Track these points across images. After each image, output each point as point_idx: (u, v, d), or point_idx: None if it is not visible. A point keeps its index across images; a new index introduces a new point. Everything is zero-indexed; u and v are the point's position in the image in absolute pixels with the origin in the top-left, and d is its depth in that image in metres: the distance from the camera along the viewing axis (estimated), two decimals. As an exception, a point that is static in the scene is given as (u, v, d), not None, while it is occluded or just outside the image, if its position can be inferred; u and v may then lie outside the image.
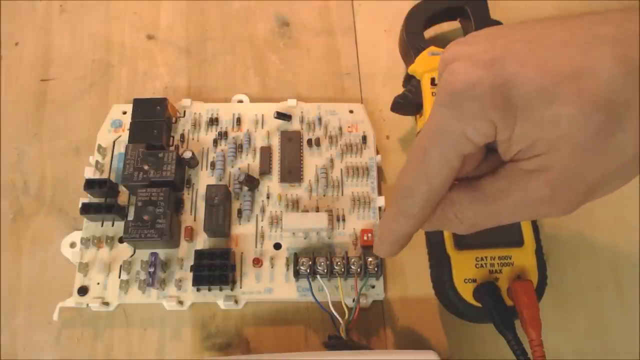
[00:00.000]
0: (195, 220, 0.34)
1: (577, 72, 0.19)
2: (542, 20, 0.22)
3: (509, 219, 0.22)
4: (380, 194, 0.35)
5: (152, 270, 0.31)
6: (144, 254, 0.33)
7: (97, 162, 0.35)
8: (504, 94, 0.19)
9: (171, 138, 0.36)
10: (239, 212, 0.34)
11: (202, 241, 0.34)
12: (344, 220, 0.34)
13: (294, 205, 0.34)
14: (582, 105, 0.19)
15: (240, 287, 0.33)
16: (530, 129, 0.20)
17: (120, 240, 0.33)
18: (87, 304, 0.32)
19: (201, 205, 0.34)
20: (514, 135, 0.20)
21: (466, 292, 0.29)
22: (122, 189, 0.35)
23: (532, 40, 0.20)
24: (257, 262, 0.33)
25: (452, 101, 0.20)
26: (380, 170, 0.36)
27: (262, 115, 0.37)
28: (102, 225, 0.34)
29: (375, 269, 0.31)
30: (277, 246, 0.34)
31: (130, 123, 0.35)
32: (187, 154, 0.34)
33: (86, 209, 0.33)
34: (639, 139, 0.19)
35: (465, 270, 0.30)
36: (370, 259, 0.31)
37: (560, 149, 0.20)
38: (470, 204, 0.22)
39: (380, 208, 0.34)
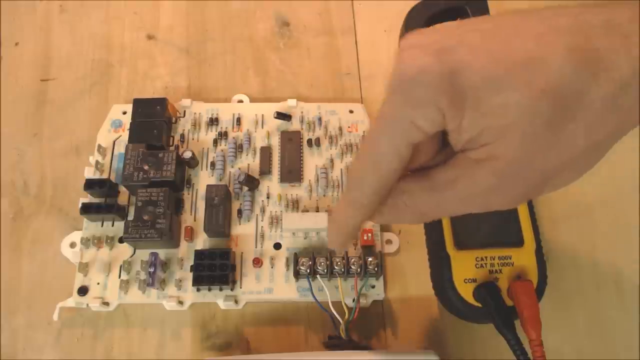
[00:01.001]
0: (195, 220, 0.34)
1: (528, 61, 0.19)
2: (502, 13, 0.21)
3: (458, 210, 0.22)
4: (380, 194, 0.35)
5: (152, 270, 0.31)
6: (144, 254, 0.33)
7: (97, 162, 0.35)
8: (452, 82, 0.19)
9: (171, 138, 0.36)
10: (239, 212, 0.34)
11: (202, 241, 0.34)
12: (344, 220, 0.34)
13: (294, 205, 0.34)
14: (531, 94, 0.18)
15: (240, 287, 0.33)
16: (479, 118, 0.19)
17: (120, 240, 0.33)
18: (87, 304, 0.32)
19: (201, 205, 0.34)
20: (462, 123, 0.20)
21: (466, 292, 0.29)
22: (122, 189, 0.35)
23: (487, 30, 0.20)
24: (257, 262, 0.33)
25: (401, 88, 0.20)
26: (380, 170, 0.36)
27: (262, 115, 0.37)
28: (102, 225, 0.34)
29: (375, 269, 0.31)
30: (277, 246, 0.34)
31: (130, 123, 0.35)
32: (187, 154, 0.34)
33: (86, 209, 0.33)
34: (590, 130, 0.19)
35: (465, 270, 0.30)
36: (370, 259, 0.31)
37: (508, 138, 0.19)
38: (420, 193, 0.22)
39: (380, 208, 0.34)
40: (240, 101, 0.38)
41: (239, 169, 0.35)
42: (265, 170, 0.35)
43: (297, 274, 0.32)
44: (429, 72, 0.19)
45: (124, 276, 0.33)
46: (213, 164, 0.36)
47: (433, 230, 0.32)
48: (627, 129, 0.20)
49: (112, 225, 0.34)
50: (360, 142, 0.21)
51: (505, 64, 0.19)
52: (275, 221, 0.34)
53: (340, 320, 0.31)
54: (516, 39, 0.19)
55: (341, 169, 0.35)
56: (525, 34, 0.19)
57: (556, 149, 0.20)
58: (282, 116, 0.36)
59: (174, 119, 0.37)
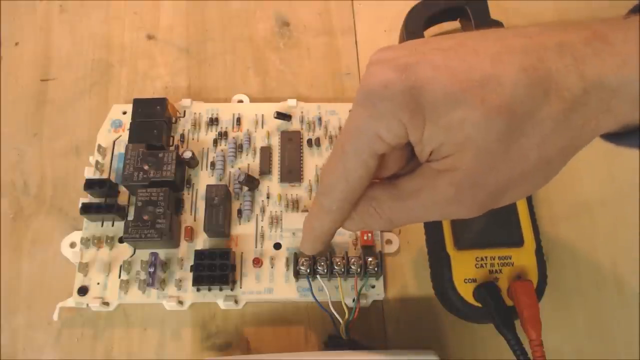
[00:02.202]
0: (195, 220, 0.34)
1: (484, 79, 0.20)
2: (467, 33, 0.23)
3: (422, 217, 0.24)
4: (380, 194, 0.35)
5: (152, 270, 0.31)
6: (144, 254, 0.33)
7: (97, 162, 0.35)
8: (414, 97, 0.20)
9: (171, 138, 0.36)
10: (239, 212, 0.34)
11: (202, 241, 0.34)
12: (344, 220, 0.34)
13: (294, 205, 0.34)
14: (485, 111, 0.20)
15: (240, 287, 0.33)
16: (438, 131, 0.20)
17: (120, 240, 0.33)
18: (87, 304, 0.32)
19: (201, 205, 0.34)
20: (424, 137, 0.21)
21: (466, 292, 0.29)
22: (122, 189, 0.35)
23: (449, 48, 0.21)
24: (257, 262, 0.33)
25: (366, 101, 0.21)
26: (380, 170, 0.36)
27: (262, 115, 0.37)
28: (102, 225, 0.34)
29: (375, 269, 0.31)
30: (277, 246, 0.34)
31: (130, 123, 0.35)
32: (187, 154, 0.34)
33: (86, 209, 0.33)
34: (542, 146, 0.20)
35: (465, 270, 0.30)
36: (370, 259, 0.31)
37: (465, 151, 0.20)
38: (388, 200, 0.23)
39: (380, 208, 0.34)
40: (240, 101, 0.38)
41: (239, 169, 0.35)
42: (265, 170, 0.35)
43: (297, 274, 0.32)
44: (391, 87, 0.20)
45: (124, 276, 0.33)
46: (213, 164, 0.36)
47: (433, 230, 0.32)
48: (579, 146, 0.21)
49: (112, 225, 0.34)
50: (332, 148, 0.23)
51: (462, 82, 0.20)
52: (275, 221, 0.34)
53: (340, 320, 0.31)
54: (474, 58, 0.20)
55: (341, 169, 0.35)
56: (483, 53, 0.20)
57: (509, 163, 0.21)
58: (282, 116, 0.36)
59: (174, 119, 0.37)
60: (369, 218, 0.24)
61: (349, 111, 0.22)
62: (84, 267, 0.33)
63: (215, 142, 0.36)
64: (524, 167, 0.21)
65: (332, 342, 0.31)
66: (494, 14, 0.36)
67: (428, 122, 0.21)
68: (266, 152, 0.36)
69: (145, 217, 0.32)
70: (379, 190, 0.23)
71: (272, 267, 0.33)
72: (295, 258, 0.32)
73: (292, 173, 0.35)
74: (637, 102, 0.20)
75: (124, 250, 0.33)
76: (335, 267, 0.31)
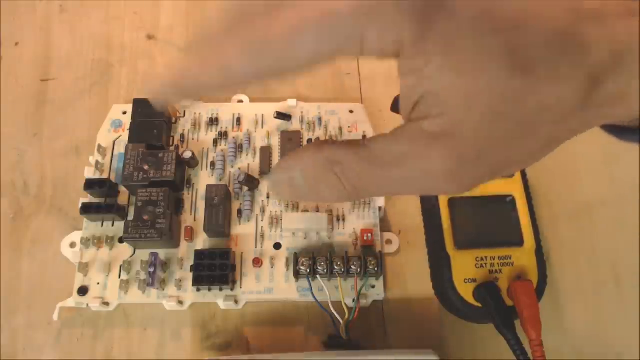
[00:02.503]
0: (195, 220, 0.34)
1: (521, 22, 0.16)
2: None
3: (399, 190, 0.19)
4: (380, 194, 0.35)
5: (152, 270, 0.31)
6: (144, 254, 0.33)
7: (97, 162, 0.35)
8: (435, 16, 0.16)
9: (171, 138, 0.36)
10: (239, 212, 0.34)
11: (202, 241, 0.34)
12: (344, 220, 0.34)
13: (294, 205, 0.34)
14: (511, 62, 0.16)
15: (240, 287, 0.33)
16: (446, 67, 0.16)
17: (120, 240, 0.33)
18: (87, 304, 0.32)
19: (201, 205, 0.34)
20: (425, 68, 0.16)
21: (466, 292, 0.29)
22: (122, 189, 0.35)
23: None
24: (257, 262, 0.33)
25: None
26: (380, 170, 0.36)
27: (262, 115, 0.37)
28: (102, 225, 0.34)
29: (375, 269, 0.31)
30: (277, 246, 0.34)
31: (130, 123, 0.35)
32: (187, 154, 0.34)
33: (86, 209, 0.33)
34: (557, 124, 0.17)
35: (465, 270, 0.30)
36: (370, 259, 0.31)
37: (473, 109, 0.16)
38: (357, 165, 0.18)
39: (380, 208, 0.34)
40: (240, 101, 0.38)
41: (239, 169, 0.35)
42: (265, 170, 0.35)
43: (297, 274, 0.32)
44: None
45: (124, 276, 0.33)
46: (213, 164, 0.36)
47: (433, 230, 0.32)
48: (583, 131, 0.18)
49: (112, 225, 0.34)
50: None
51: (498, 21, 0.16)
52: (275, 221, 0.34)
53: (340, 320, 0.31)
54: None
55: (341, 169, 0.35)
56: None
57: (519, 137, 0.17)
58: (282, 116, 0.36)
59: (174, 119, 0.37)
60: (326, 187, 0.19)
61: None
62: (84, 267, 0.33)
63: (215, 142, 0.36)
64: (533, 144, 0.18)
65: (332, 342, 0.31)
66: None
67: (438, 53, 0.16)
68: (266, 152, 0.36)
69: (145, 217, 0.32)
70: (344, 151, 0.19)
71: (272, 267, 0.33)
72: (295, 258, 0.32)
73: (292, 173, 0.35)
74: None
75: (124, 250, 0.33)
76: (335, 267, 0.31)
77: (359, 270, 0.31)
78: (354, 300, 0.31)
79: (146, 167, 0.33)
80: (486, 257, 0.30)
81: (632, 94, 0.18)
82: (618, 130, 0.20)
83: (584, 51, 0.16)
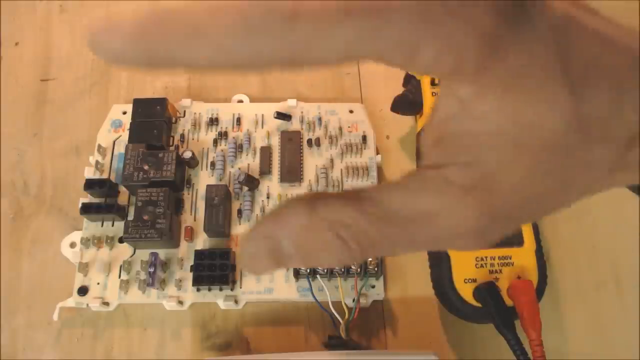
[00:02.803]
0: (195, 220, 0.34)
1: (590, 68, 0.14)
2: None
3: (417, 248, 0.16)
4: (380, 194, 0.35)
5: (152, 270, 0.31)
6: (144, 254, 0.33)
7: (97, 162, 0.35)
8: (517, 41, 0.13)
9: (171, 138, 0.36)
10: (239, 212, 0.34)
11: (202, 241, 0.34)
12: (344, 220, 0.34)
13: (294, 205, 0.34)
14: (571, 117, 0.13)
15: (240, 287, 0.33)
16: (506, 113, 0.13)
17: (120, 240, 0.33)
18: (87, 304, 0.32)
19: (201, 205, 0.34)
20: (477, 104, 0.13)
21: (466, 292, 0.29)
22: (122, 189, 0.35)
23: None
24: (257, 262, 0.33)
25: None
26: (380, 170, 0.36)
27: (262, 115, 0.37)
28: (102, 225, 0.34)
29: (375, 269, 0.31)
30: (277, 246, 0.33)
31: (130, 123, 0.35)
32: (187, 154, 0.34)
33: (86, 209, 0.33)
34: (590, 186, 0.16)
35: (465, 270, 0.30)
36: (370, 259, 0.31)
37: (520, 161, 0.14)
38: (369, 225, 0.15)
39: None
40: (240, 101, 0.38)
41: (239, 169, 0.35)
42: (265, 170, 0.35)
43: (297, 274, 0.32)
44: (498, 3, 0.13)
45: (124, 276, 0.33)
46: (213, 164, 0.36)
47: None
48: (619, 185, 0.16)
49: (112, 225, 0.34)
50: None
51: (571, 59, 0.14)
52: (275, 221, 0.34)
53: (340, 320, 0.31)
54: (591, 37, 0.14)
55: (341, 169, 0.35)
56: (600, 36, 0.14)
57: (556, 195, 0.15)
58: (282, 116, 0.36)
59: (174, 119, 0.37)
60: (325, 252, 0.15)
61: None
62: (84, 267, 0.33)
63: (215, 142, 0.36)
64: (567, 199, 0.16)
65: (332, 342, 0.31)
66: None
67: (502, 90, 0.13)
68: (266, 152, 0.36)
69: (145, 217, 0.32)
70: (347, 210, 0.15)
71: (272, 267, 0.33)
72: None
73: (292, 173, 0.35)
74: None
75: (124, 250, 0.33)
76: (335, 267, 0.31)
77: (359, 270, 0.31)
78: (354, 300, 0.31)
79: (146, 167, 0.33)
80: (486, 257, 0.30)
81: None
82: None
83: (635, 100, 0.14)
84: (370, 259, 0.31)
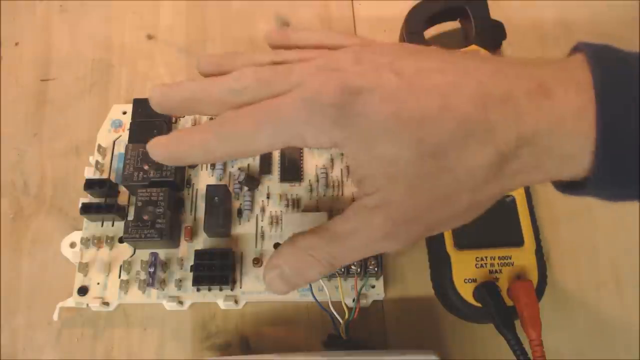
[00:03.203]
0: (195, 220, 0.34)
1: (425, 120, 0.20)
2: (440, 53, 0.23)
3: (361, 255, 0.24)
4: (380, 194, 0.35)
5: (152, 270, 0.31)
6: (144, 254, 0.33)
7: (97, 162, 0.35)
8: (354, 123, 0.21)
9: (171, 138, 0.36)
10: (239, 212, 0.34)
11: (202, 241, 0.34)
12: (344, 220, 0.34)
13: (294, 205, 0.34)
14: (419, 152, 0.20)
15: (240, 287, 0.33)
16: (371, 161, 0.21)
17: (120, 240, 0.33)
18: (87, 304, 0.32)
19: (201, 205, 0.34)
20: (357, 160, 0.22)
21: (466, 292, 0.29)
22: (122, 189, 0.35)
23: (412, 75, 0.21)
24: (257, 262, 0.33)
25: (305, 104, 0.21)
26: (380, 170, 0.36)
27: (262, 115, 0.37)
28: (102, 225, 0.34)
29: (375, 269, 0.31)
30: (277, 246, 0.34)
31: (130, 123, 0.35)
32: (187, 154, 0.34)
33: (86, 209, 0.33)
34: (474, 192, 0.21)
35: (465, 270, 0.30)
36: (370, 259, 0.31)
37: (397, 185, 0.21)
38: (326, 245, 0.23)
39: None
40: (240, 101, 0.38)
41: (239, 169, 0.35)
42: (265, 170, 0.35)
43: (297, 274, 0.32)
44: (334, 107, 0.21)
45: (124, 276, 0.33)
46: (213, 164, 0.36)
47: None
48: (509, 191, 0.23)
49: (112, 225, 0.34)
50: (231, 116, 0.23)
51: (404, 120, 0.20)
52: (275, 221, 0.34)
53: (340, 320, 0.31)
54: (423, 95, 0.20)
55: (341, 169, 0.35)
56: (436, 90, 0.20)
57: (441, 203, 0.21)
58: (282, 116, 0.36)
59: (174, 119, 0.37)
60: (308, 268, 0.24)
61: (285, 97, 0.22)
62: (84, 267, 0.33)
63: (215, 142, 0.36)
64: (456, 209, 0.22)
65: (332, 342, 0.31)
66: (494, 14, 0.36)
67: (362, 150, 0.21)
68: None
69: (145, 217, 0.32)
70: (311, 238, 0.24)
71: (272, 267, 0.33)
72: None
73: (292, 173, 0.35)
74: (566, 161, 0.20)
75: (124, 250, 0.33)
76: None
77: (358, 270, 0.31)
78: (354, 300, 0.31)
79: (146, 167, 0.33)
80: (486, 257, 0.30)
81: (547, 164, 0.20)
82: (561, 187, 0.23)
83: (489, 132, 0.20)
84: (370, 260, 0.31)
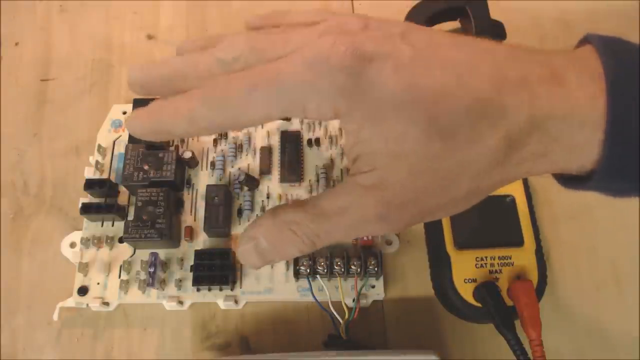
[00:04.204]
0: (195, 220, 0.34)
1: (439, 97, 0.19)
2: (453, 36, 0.21)
3: (347, 236, 0.22)
4: (380, 194, 0.35)
5: (152, 270, 0.31)
6: (144, 254, 0.33)
7: (97, 162, 0.35)
8: (363, 91, 0.19)
9: (171, 138, 0.36)
10: (239, 212, 0.34)
11: (202, 241, 0.34)
12: (344, 220, 0.34)
13: (294, 205, 0.34)
14: (430, 131, 0.19)
15: (240, 287, 0.33)
16: (376, 136, 0.19)
17: (120, 240, 0.33)
18: (87, 304, 0.32)
19: (201, 205, 0.34)
20: (359, 135, 0.20)
21: (466, 292, 0.29)
22: (122, 189, 0.35)
23: (426, 47, 0.20)
24: (257, 262, 0.33)
25: (312, 67, 0.19)
26: (380, 170, 0.36)
27: (262, 115, 0.37)
28: (102, 225, 0.34)
29: (375, 269, 0.31)
30: (277, 246, 0.33)
31: (130, 123, 0.35)
32: (187, 154, 0.34)
33: (86, 209, 0.33)
34: (475, 178, 0.20)
35: (465, 270, 0.30)
36: (370, 259, 0.31)
37: (399, 166, 0.20)
38: (310, 222, 0.21)
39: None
40: (240, 101, 0.38)
41: (239, 169, 0.35)
42: (265, 170, 0.35)
43: (297, 274, 0.32)
44: (343, 71, 0.19)
45: (124, 276, 0.33)
46: (213, 164, 0.36)
47: (433, 230, 0.32)
48: (510, 181, 0.21)
49: (112, 225, 0.34)
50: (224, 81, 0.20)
51: (418, 93, 0.19)
52: (275, 221, 0.34)
53: (340, 320, 0.31)
54: (439, 71, 0.19)
55: (341, 169, 0.35)
56: (452, 67, 0.19)
57: (441, 188, 0.20)
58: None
59: (174, 119, 0.37)
60: (287, 244, 0.22)
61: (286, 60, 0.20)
62: (84, 267, 0.33)
63: (215, 142, 0.36)
64: (455, 194, 0.20)
65: (332, 342, 0.31)
66: (494, 13, 0.36)
67: (368, 122, 0.19)
68: (266, 152, 0.36)
69: (145, 217, 0.32)
70: (295, 212, 0.22)
71: (272, 267, 0.33)
72: (295, 258, 0.32)
73: (292, 173, 0.35)
74: (574, 150, 0.20)
75: (124, 250, 0.33)
76: (335, 267, 0.31)
77: (359, 270, 0.31)
78: (354, 300, 0.31)
79: (146, 167, 0.33)
80: (486, 257, 0.30)
81: (555, 153, 0.20)
82: (562, 180, 0.22)
83: (501, 115, 0.19)
84: (370, 260, 0.31)
